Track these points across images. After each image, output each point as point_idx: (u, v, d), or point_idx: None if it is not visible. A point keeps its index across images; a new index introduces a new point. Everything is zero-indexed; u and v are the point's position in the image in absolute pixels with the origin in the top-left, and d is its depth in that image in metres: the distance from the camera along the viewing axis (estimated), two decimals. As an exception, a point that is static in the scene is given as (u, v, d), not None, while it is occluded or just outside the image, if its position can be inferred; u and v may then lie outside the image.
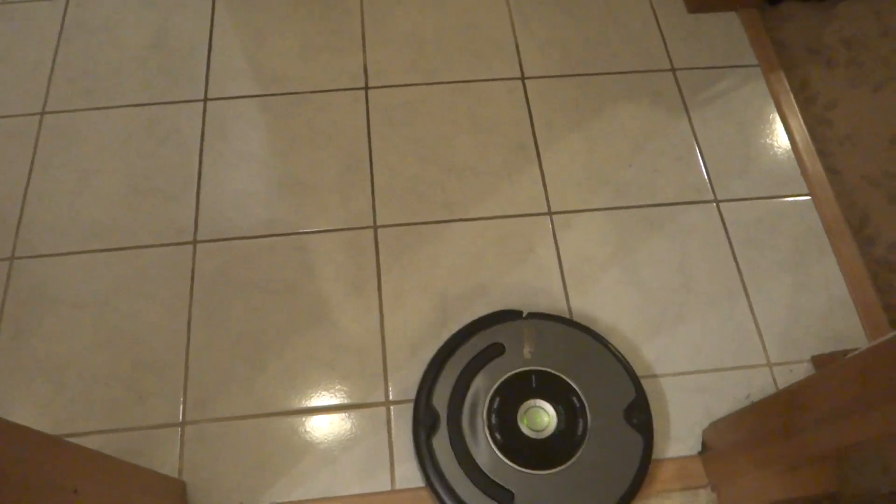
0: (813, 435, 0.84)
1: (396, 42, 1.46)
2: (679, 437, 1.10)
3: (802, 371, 1.16)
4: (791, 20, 1.57)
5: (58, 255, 1.21)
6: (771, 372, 1.16)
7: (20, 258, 1.21)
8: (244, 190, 1.28)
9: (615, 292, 1.21)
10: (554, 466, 1.00)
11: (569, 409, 1.03)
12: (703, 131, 1.38)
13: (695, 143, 1.37)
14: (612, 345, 1.10)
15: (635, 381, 1.07)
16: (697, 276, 1.23)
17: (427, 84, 1.40)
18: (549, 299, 1.19)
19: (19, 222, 1.24)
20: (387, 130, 1.35)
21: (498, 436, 1.01)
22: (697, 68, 1.46)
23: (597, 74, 1.44)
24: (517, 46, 1.47)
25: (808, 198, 1.31)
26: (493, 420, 1.02)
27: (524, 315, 1.12)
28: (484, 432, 1.01)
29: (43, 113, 1.35)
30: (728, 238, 1.27)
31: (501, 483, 0.98)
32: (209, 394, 1.10)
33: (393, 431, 1.08)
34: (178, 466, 1.05)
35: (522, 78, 1.42)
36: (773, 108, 1.42)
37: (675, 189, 1.31)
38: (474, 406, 1.03)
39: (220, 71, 1.41)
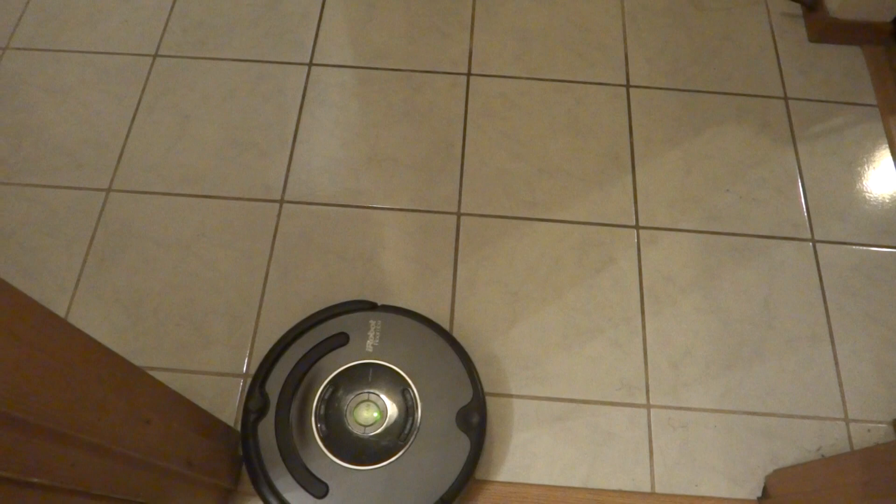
0: (891, 501, 0.79)
1: (504, 33, 1.44)
2: (737, 478, 1.06)
3: (881, 433, 1.09)
4: (920, 64, 1.49)
5: (150, 193, 1.25)
6: (847, 428, 1.10)
7: (115, 191, 1.25)
8: (335, 157, 1.29)
9: (693, 317, 1.17)
10: (375, 463, 0.96)
11: (400, 406, 0.99)
12: (809, 166, 1.32)
13: (798, 176, 1.31)
14: (460, 345, 1.05)
15: (475, 383, 1.02)
16: (782, 315, 1.17)
17: (529, 79, 1.39)
18: (623, 313, 1.16)
19: (120, 157, 1.28)
20: (482, 119, 1.34)
21: (324, 427, 0.98)
22: (812, 100, 1.39)
23: (704, 92, 1.39)
24: (626, 53, 1.43)
25: (913, 252, 1.24)
26: (323, 411, 0.99)
27: (378, 306, 1.08)
28: (311, 422, 0.98)
29: (156, 55, 1.39)
30: (820, 281, 1.21)
31: (318, 475, 0.95)
32: (274, 351, 1.12)
33: (447, 419, 1.08)
34: (234, 417, 1.07)
35: (627, 86, 1.39)
36: (887, 151, 1.34)
37: (771, 222, 1.26)
38: (306, 395, 1.00)
39: (328, 38, 1.42)
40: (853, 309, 1.19)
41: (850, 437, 1.09)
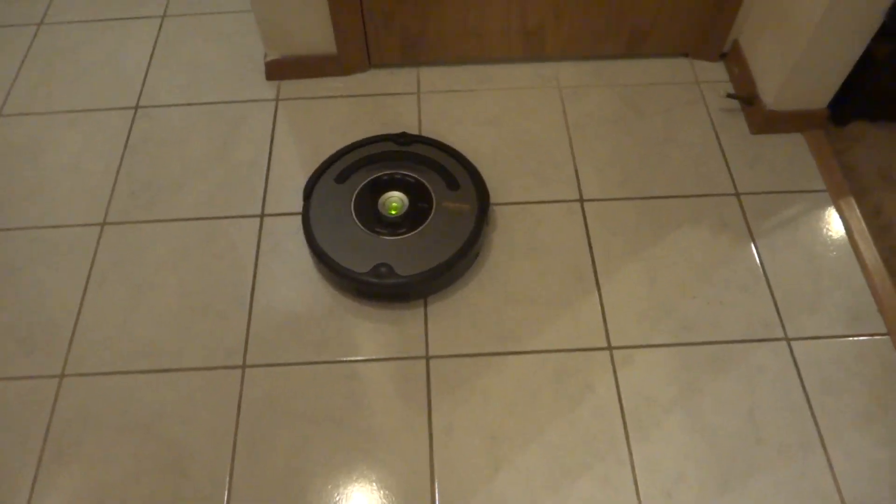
0: None
1: (454, 159, 1.45)
2: None
3: (889, 539, 1.05)
4: (860, 142, 1.52)
5: (106, 373, 1.20)
6: (853, 538, 1.05)
7: (69, 376, 1.19)
8: (294, 311, 1.26)
9: (680, 439, 1.13)
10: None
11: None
12: (771, 261, 1.32)
13: (762, 273, 1.30)
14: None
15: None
16: (769, 425, 1.14)
17: (483, 204, 1.38)
18: (608, 444, 1.12)
19: (72, 337, 1.23)
20: (441, 252, 1.32)
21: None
22: (762, 193, 1.41)
23: (657, 198, 1.40)
24: (575, 167, 1.44)
25: (887, 337, 1.23)
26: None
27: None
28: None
29: (104, 224, 1.37)
30: (801, 381, 1.19)
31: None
32: (248, 534, 1.05)
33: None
34: None
35: (581, 200, 1.39)
36: (844, 235, 1.35)
37: (743, 324, 1.24)
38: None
39: (279, 186, 1.42)
40: (839, 407, 1.16)
41: (858, 550, 1.04)
